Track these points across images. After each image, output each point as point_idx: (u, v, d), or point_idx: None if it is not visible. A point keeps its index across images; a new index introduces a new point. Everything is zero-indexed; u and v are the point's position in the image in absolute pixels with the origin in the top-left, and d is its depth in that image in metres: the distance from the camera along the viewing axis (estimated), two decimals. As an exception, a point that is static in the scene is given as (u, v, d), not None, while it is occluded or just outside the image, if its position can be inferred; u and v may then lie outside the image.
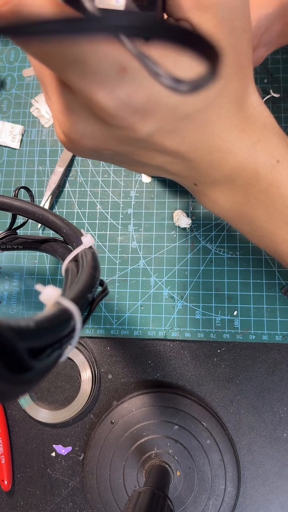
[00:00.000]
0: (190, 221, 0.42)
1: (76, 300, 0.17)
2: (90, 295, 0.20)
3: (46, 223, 0.28)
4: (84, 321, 0.18)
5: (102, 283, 0.22)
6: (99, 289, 0.22)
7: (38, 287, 0.17)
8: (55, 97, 0.19)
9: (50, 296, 0.17)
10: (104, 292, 0.21)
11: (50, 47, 0.15)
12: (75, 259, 0.24)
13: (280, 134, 0.23)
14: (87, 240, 0.24)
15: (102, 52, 0.15)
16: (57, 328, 0.16)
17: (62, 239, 0.30)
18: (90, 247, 0.24)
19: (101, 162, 0.45)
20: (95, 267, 0.22)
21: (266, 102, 0.44)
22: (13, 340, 0.12)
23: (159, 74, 0.13)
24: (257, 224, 0.24)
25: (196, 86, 0.13)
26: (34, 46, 0.15)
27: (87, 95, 0.17)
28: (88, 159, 0.46)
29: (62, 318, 0.16)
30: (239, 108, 0.20)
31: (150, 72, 0.13)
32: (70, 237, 0.26)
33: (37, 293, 0.46)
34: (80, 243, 0.24)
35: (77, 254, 0.24)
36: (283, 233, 0.24)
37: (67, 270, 0.23)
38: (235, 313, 0.40)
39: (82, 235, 0.25)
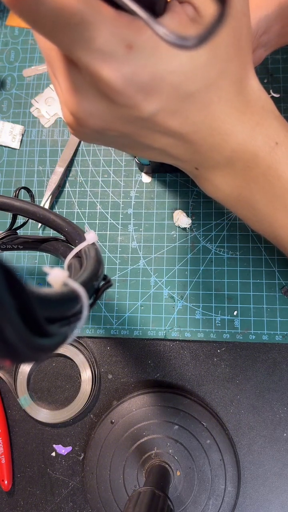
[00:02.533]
0: (190, 221, 0.42)
1: (83, 284, 0.17)
2: (96, 283, 0.20)
3: (47, 223, 0.28)
4: (91, 306, 0.18)
5: (105, 277, 0.22)
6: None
7: (46, 269, 0.17)
8: (62, 78, 0.19)
9: (58, 277, 0.17)
10: (109, 283, 0.22)
11: (60, 24, 0.16)
12: (78, 256, 0.24)
13: (279, 117, 0.23)
14: (91, 236, 0.24)
15: (109, 29, 0.16)
16: (65, 304, 0.16)
17: (62, 238, 0.30)
18: (93, 243, 0.24)
19: (101, 162, 0.45)
20: (99, 260, 0.22)
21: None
22: (35, 305, 0.13)
23: (166, 34, 0.14)
24: (256, 208, 0.25)
25: (202, 38, 0.13)
26: (44, 23, 0.16)
27: (93, 72, 0.17)
28: (88, 159, 0.46)
29: (70, 296, 0.16)
30: (239, 91, 0.21)
31: (157, 33, 0.14)
32: (72, 235, 0.27)
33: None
34: (82, 240, 0.24)
35: (80, 251, 0.24)
36: (282, 216, 0.24)
37: (69, 266, 0.23)
38: (235, 313, 0.40)
39: (84, 233, 0.25)
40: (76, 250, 0.24)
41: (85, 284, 0.18)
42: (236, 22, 0.19)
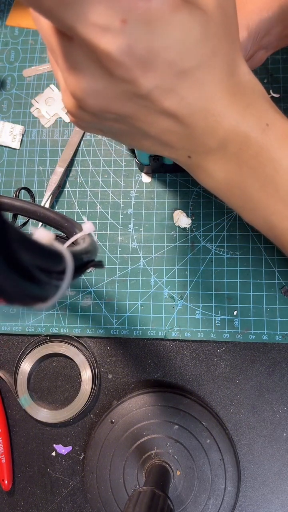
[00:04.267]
0: (190, 221, 0.42)
1: (70, 251, 0.17)
2: (86, 257, 0.20)
3: (47, 221, 0.29)
4: (76, 274, 0.18)
5: (98, 261, 0.23)
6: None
7: (31, 229, 0.17)
8: (62, 58, 0.20)
9: (43, 237, 0.16)
10: (100, 263, 0.22)
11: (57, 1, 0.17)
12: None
13: (269, 100, 0.24)
14: (87, 227, 0.24)
15: (104, 4, 0.17)
16: (47, 256, 0.15)
17: (62, 235, 0.30)
18: (90, 234, 0.24)
19: (101, 162, 0.46)
20: (93, 244, 0.22)
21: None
22: (16, 242, 0.13)
23: None
24: (248, 195, 0.25)
25: None
26: (43, 1, 0.17)
27: (92, 44, 0.18)
28: (88, 160, 0.46)
29: (54, 252, 0.16)
30: (230, 72, 0.22)
31: None
32: (71, 230, 0.27)
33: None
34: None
35: (76, 241, 0.24)
36: (274, 201, 0.25)
37: None
38: (235, 313, 0.40)
39: (81, 226, 0.25)
40: (72, 239, 0.24)
41: (73, 253, 0.18)
42: (223, 1, 0.20)
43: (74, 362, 0.41)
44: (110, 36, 0.18)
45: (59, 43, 0.20)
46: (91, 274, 0.43)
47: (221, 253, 0.42)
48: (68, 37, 0.19)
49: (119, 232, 0.44)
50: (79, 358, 0.41)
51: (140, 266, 0.43)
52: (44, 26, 0.21)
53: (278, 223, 0.26)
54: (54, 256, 0.16)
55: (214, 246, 0.42)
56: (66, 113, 0.48)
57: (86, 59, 0.19)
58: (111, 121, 0.23)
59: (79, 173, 0.46)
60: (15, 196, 0.32)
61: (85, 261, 0.20)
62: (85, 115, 0.22)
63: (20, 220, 0.43)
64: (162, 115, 0.22)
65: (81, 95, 0.21)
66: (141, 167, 0.44)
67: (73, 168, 0.46)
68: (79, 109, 0.22)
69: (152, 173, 0.44)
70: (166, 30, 0.19)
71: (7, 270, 0.12)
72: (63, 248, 0.17)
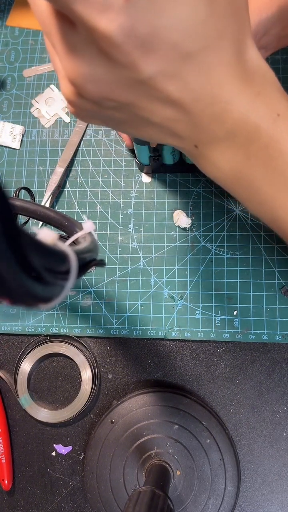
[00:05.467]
0: (190, 221, 0.42)
1: (74, 251, 0.17)
2: (88, 256, 0.20)
3: (48, 220, 0.29)
4: (79, 273, 0.18)
5: (100, 260, 0.23)
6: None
7: (34, 229, 0.17)
8: (60, 42, 0.19)
9: (47, 237, 0.16)
10: (102, 261, 0.22)
11: None
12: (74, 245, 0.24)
13: (280, 89, 0.23)
14: (87, 225, 0.24)
15: None
16: (54, 257, 0.15)
17: (63, 234, 0.30)
18: (90, 233, 0.24)
19: (101, 162, 0.46)
20: (94, 242, 0.22)
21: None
22: (26, 244, 0.13)
23: None
24: (256, 187, 0.24)
25: None
26: None
27: (91, 25, 0.17)
28: (88, 160, 0.46)
29: (58, 253, 0.16)
30: (239, 58, 0.20)
31: None
32: (71, 228, 0.27)
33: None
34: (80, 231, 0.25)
35: (77, 240, 0.24)
36: (282, 196, 0.24)
37: None
38: (234, 313, 0.40)
39: (81, 224, 0.26)
40: (73, 238, 0.24)
41: (77, 252, 0.18)
42: None
43: (74, 362, 0.41)
44: (111, 15, 0.17)
45: (56, 24, 0.19)
46: (91, 274, 0.43)
47: (221, 253, 0.42)
48: (66, 18, 0.18)
49: (119, 232, 0.44)
50: (79, 358, 0.41)
51: (140, 266, 0.43)
52: (41, 6, 0.19)
53: (286, 217, 0.25)
54: (59, 256, 0.16)
55: (214, 246, 0.42)
56: (66, 113, 0.48)
57: (84, 42, 0.18)
58: (112, 109, 0.21)
59: (79, 173, 0.46)
60: (15, 196, 0.32)
61: (87, 260, 0.20)
62: (85, 103, 0.21)
63: (20, 219, 0.43)
64: (165, 102, 0.20)
65: (79, 81, 0.20)
66: (141, 167, 0.44)
67: (73, 168, 0.46)
68: (77, 96, 0.21)
69: (152, 173, 0.45)
70: (171, 9, 0.17)
71: (19, 272, 0.12)
72: (68, 248, 0.17)
